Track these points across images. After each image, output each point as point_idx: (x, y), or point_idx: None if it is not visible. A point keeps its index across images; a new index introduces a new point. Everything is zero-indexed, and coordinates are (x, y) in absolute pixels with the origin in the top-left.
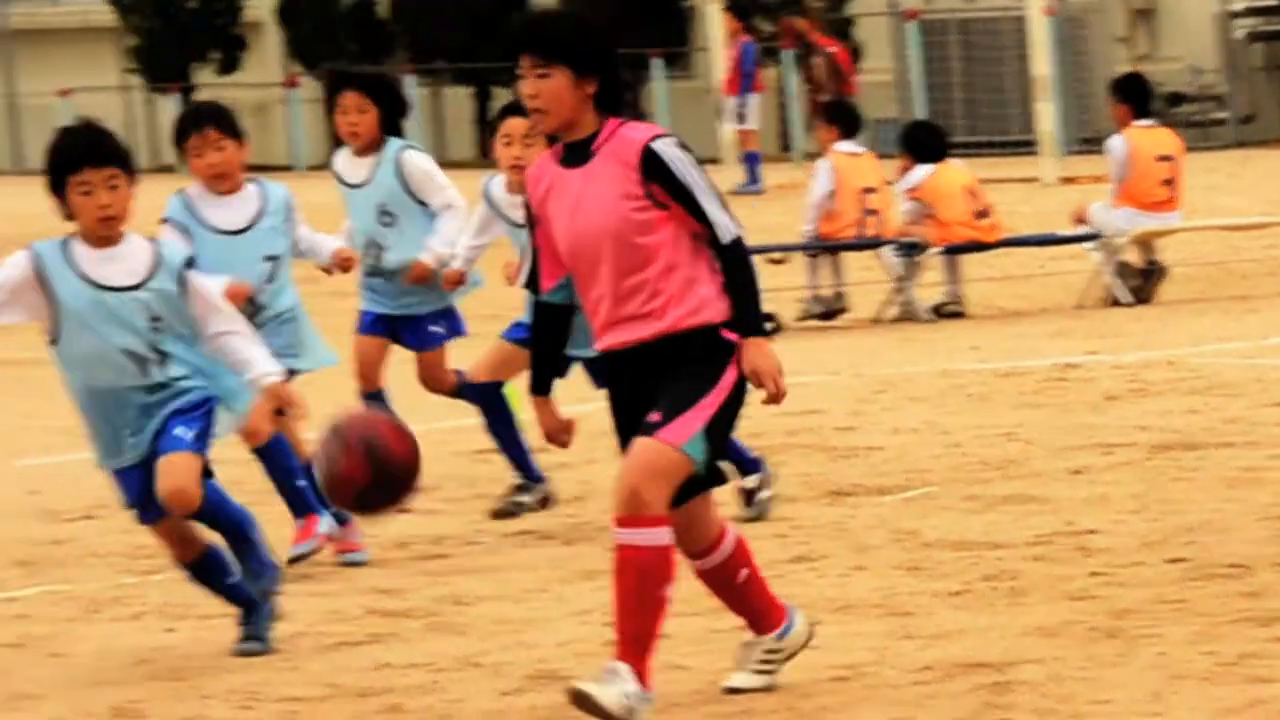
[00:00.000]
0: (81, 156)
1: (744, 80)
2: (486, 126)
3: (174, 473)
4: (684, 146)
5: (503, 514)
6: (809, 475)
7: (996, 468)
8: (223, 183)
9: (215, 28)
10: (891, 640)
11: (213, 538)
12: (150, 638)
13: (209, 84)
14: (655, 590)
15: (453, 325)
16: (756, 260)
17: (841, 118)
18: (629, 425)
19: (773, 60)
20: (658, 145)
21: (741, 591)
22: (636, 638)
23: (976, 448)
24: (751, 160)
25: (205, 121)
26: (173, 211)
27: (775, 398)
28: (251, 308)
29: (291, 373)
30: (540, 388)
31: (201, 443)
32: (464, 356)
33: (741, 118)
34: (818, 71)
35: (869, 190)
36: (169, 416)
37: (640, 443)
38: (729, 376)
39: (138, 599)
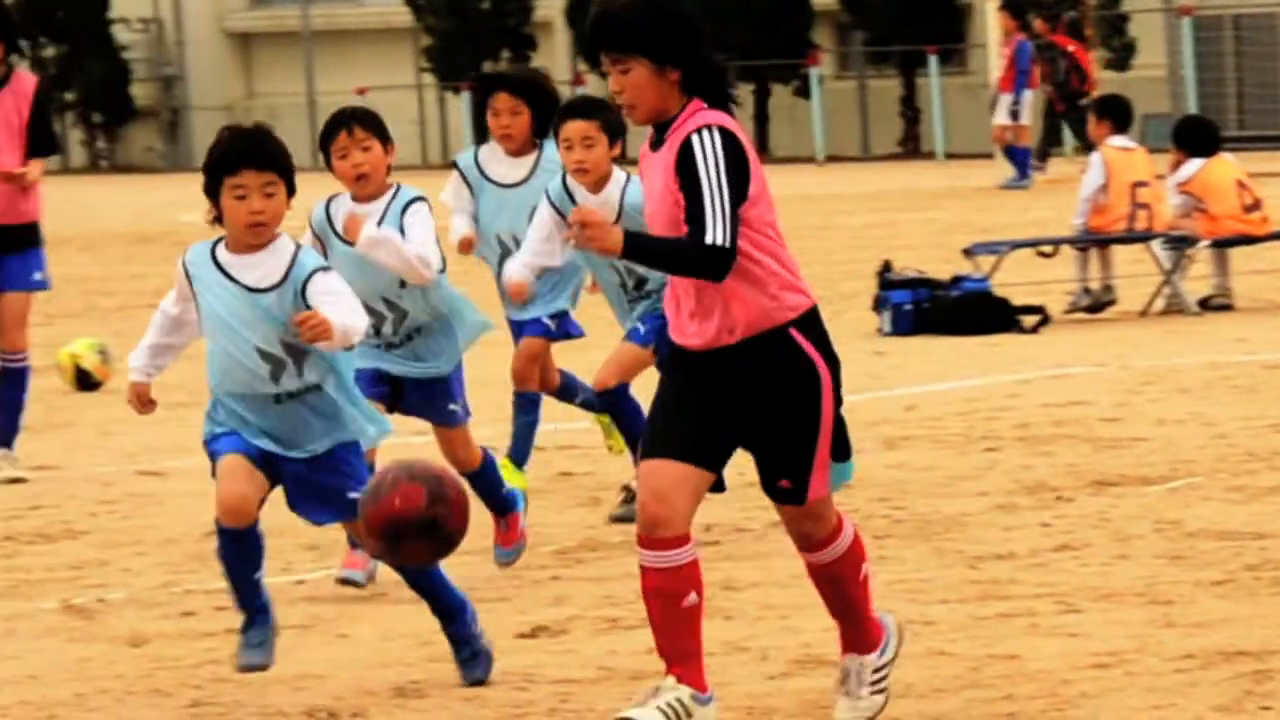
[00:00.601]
0: (241, 158)
1: (1019, 78)
2: (766, 121)
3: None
4: (732, 140)
5: (622, 519)
6: (1074, 465)
7: (1262, 459)
8: (365, 185)
9: (507, 28)
10: (1153, 628)
11: None
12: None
13: None
14: (861, 572)
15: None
16: (1028, 253)
17: (1114, 113)
18: (684, 421)
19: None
20: (696, 136)
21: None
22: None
23: (1242, 439)
24: (1022, 155)
25: (352, 122)
26: (316, 219)
27: (569, 234)
28: (394, 313)
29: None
30: None
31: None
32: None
33: (1015, 114)
34: (1059, 71)
35: (1140, 184)
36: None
37: (792, 512)
38: (827, 407)
39: None
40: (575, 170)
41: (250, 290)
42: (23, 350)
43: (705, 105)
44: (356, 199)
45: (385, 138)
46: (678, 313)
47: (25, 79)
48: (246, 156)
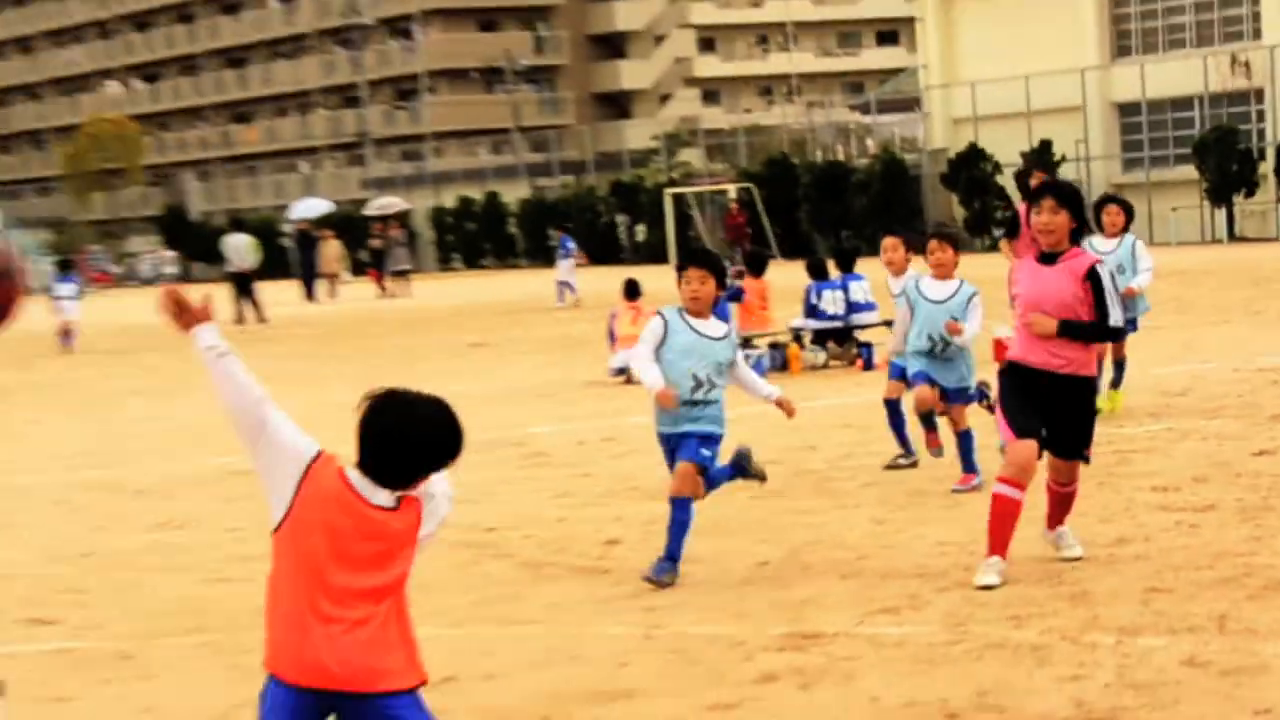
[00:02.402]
0: (689, 259)
1: None
2: None
3: (685, 477)
4: (1110, 276)
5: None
6: None
7: None
8: (942, 269)
9: None
10: None
11: None
12: None
13: None
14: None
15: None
16: None
17: None
18: (1026, 417)
19: None
20: (1097, 268)
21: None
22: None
23: None
24: None
25: (938, 233)
26: (907, 285)
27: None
28: (945, 344)
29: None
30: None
31: (707, 459)
32: None
33: None
34: None
35: None
36: (694, 436)
37: (1070, 467)
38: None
39: None
40: (889, 263)
41: (707, 338)
42: None
43: (1081, 249)
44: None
45: (957, 245)
46: (1032, 345)
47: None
48: (692, 259)
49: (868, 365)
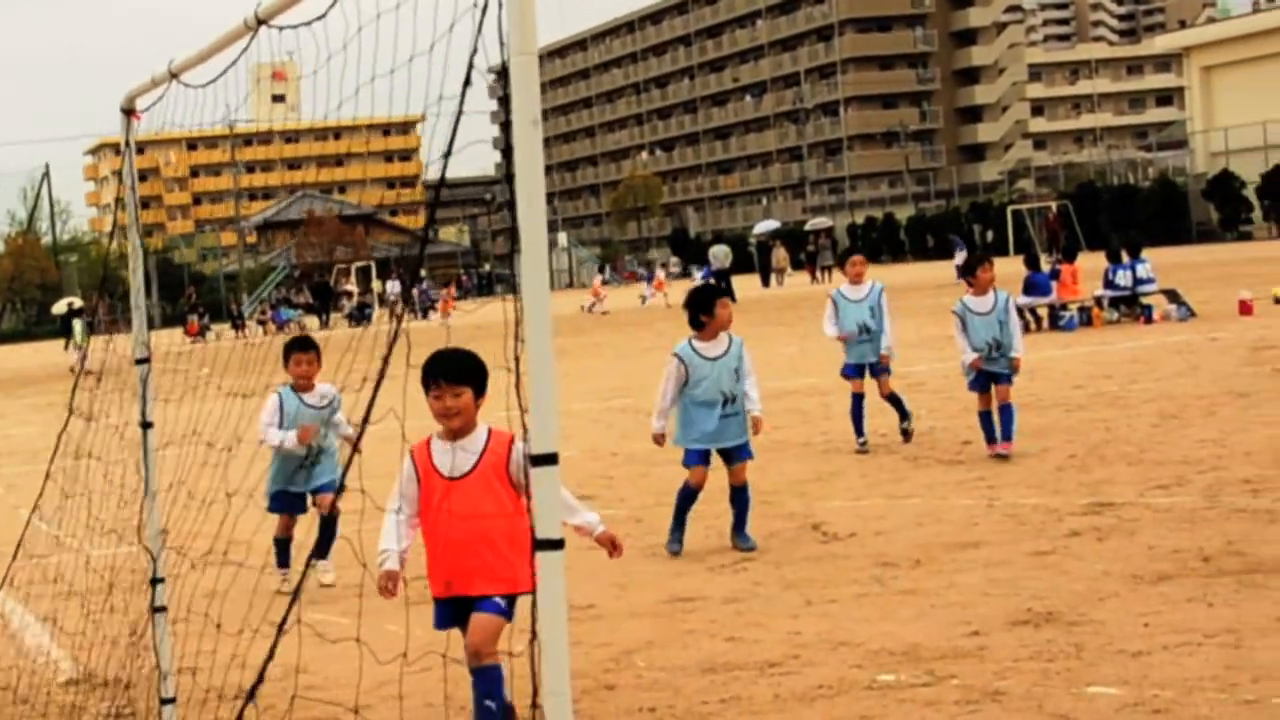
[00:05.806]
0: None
1: None
2: None
3: None
4: None
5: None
6: None
7: None
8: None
9: None
10: None
11: None
12: None
13: None
14: None
15: None
16: None
17: None
18: None
19: None
20: None
21: None
22: None
23: None
24: None
25: None
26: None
27: None
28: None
29: None
30: None
31: None
32: None
33: None
34: None
35: None
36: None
37: None
38: None
39: None
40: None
41: (712, 360)
42: None
43: None
44: None
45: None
46: None
47: None
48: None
49: (1148, 321)
